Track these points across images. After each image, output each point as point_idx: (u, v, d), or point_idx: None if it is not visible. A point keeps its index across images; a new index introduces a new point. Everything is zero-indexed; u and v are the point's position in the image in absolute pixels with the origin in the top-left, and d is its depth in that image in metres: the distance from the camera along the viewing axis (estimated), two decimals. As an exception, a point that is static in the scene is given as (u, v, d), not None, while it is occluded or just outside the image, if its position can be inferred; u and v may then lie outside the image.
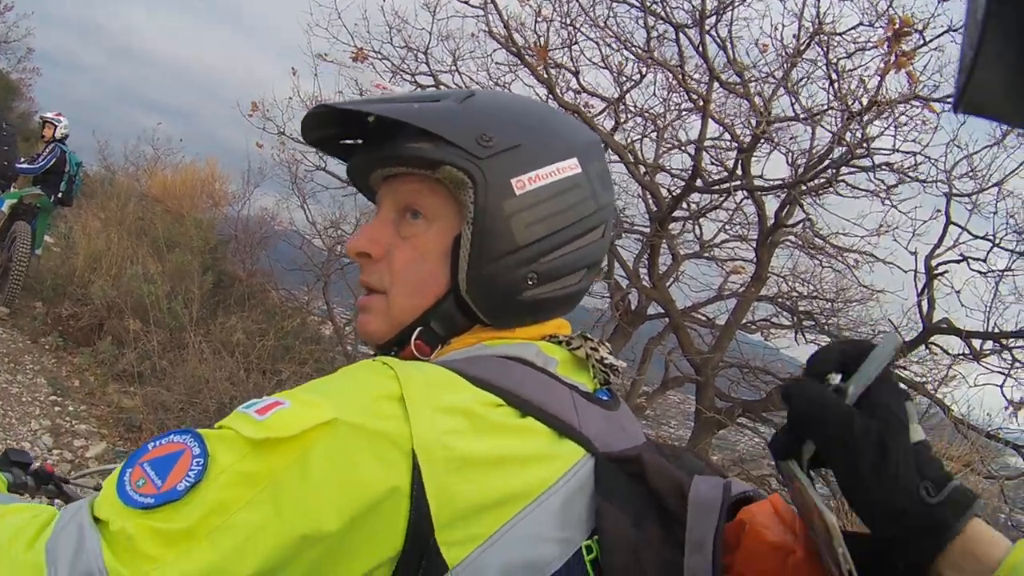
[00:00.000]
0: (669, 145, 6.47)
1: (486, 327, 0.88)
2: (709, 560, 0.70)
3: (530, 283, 0.85)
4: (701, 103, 5.83)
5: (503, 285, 0.85)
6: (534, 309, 0.88)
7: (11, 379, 6.41)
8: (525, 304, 0.87)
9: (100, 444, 5.64)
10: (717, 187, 6.08)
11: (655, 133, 6.58)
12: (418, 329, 0.88)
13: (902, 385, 0.69)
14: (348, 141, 0.98)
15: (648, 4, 5.88)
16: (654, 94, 6.59)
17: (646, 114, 6.57)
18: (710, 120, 6.07)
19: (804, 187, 5.94)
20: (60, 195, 8.15)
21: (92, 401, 6.46)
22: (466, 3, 6.11)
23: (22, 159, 7.91)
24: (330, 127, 0.95)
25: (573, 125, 0.95)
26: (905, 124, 5.71)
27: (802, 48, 5.87)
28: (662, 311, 6.51)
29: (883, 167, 5.86)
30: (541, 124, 0.89)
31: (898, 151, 5.75)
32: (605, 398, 0.89)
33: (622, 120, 6.54)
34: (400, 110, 0.85)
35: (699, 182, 5.99)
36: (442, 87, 6.45)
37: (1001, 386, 5.92)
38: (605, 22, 6.01)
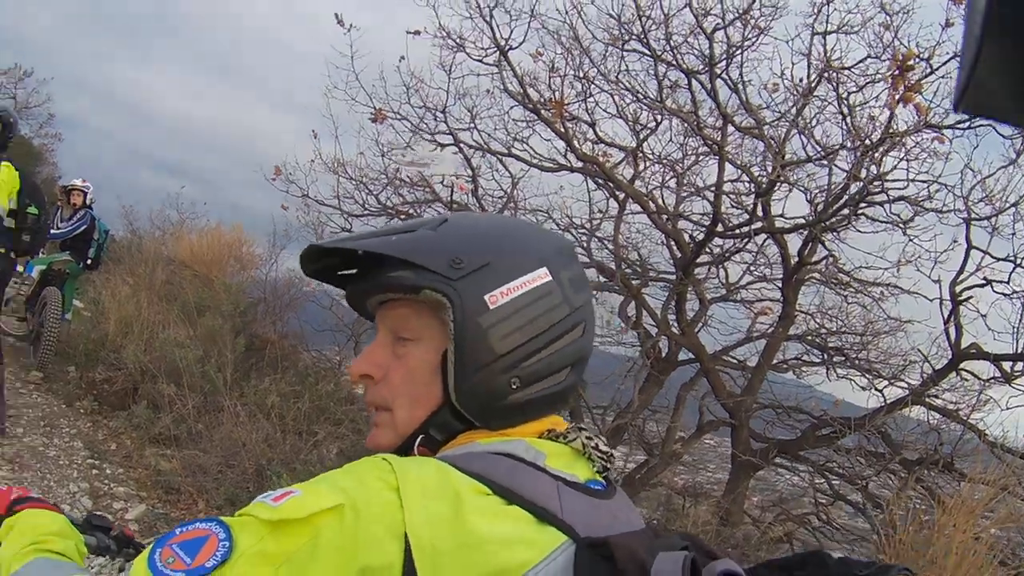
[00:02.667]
0: (689, 191, 6.52)
1: (480, 429, 0.96)
2: None
3: (514, 387, 0.94)
4: (716, 148, 5.89)
5: (489, 391, 0.94)
6: (524, 410, 0.96)
7: (48, 442, 6.48)
8: (513, 406, 0.95)
9: (140, 506, 5.66)
10: (738, 231, 6.11)
11: (674, 180, 6.65)
12: (420, 437, 0.97)
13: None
14: (344, 271, 1.08)
15: (659, 53, 5.98)
16: (671, 140, 6.68)
17: (664, 161, 6.64)
18: (727, 163, 6.14)
19: (824, 225, 5.96)
20: (89, 261, 8.31)
21: (129, 464, 6.49)
22: (480, 61, 6.23)
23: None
24: (326, 259, 1.06)
25: (542, 237, 1.04)
26: (917, 156, 5.77)
27: (813, 85, 5.96)
28: (692, 357, 6.52)
29: (899, 199, 5.88)
30: (509, 240, 0.98)
31: (913, 181, 5.80)
32: (598, 488, 0.95)
33: (640, 168, 6.60)
34: (380, 244, 0.96)
35: (720, 227, 6.02)
36: (462, 145, 6.56)
37: (1034, 406, 5.90)
38: (617, 76, 6.11)
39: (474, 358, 0.93)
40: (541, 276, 0.96)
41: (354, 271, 1.07)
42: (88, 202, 8.39)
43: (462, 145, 6.60)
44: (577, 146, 6.17)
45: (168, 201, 12.13)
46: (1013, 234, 5.90)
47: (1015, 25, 0.32)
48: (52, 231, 7.89)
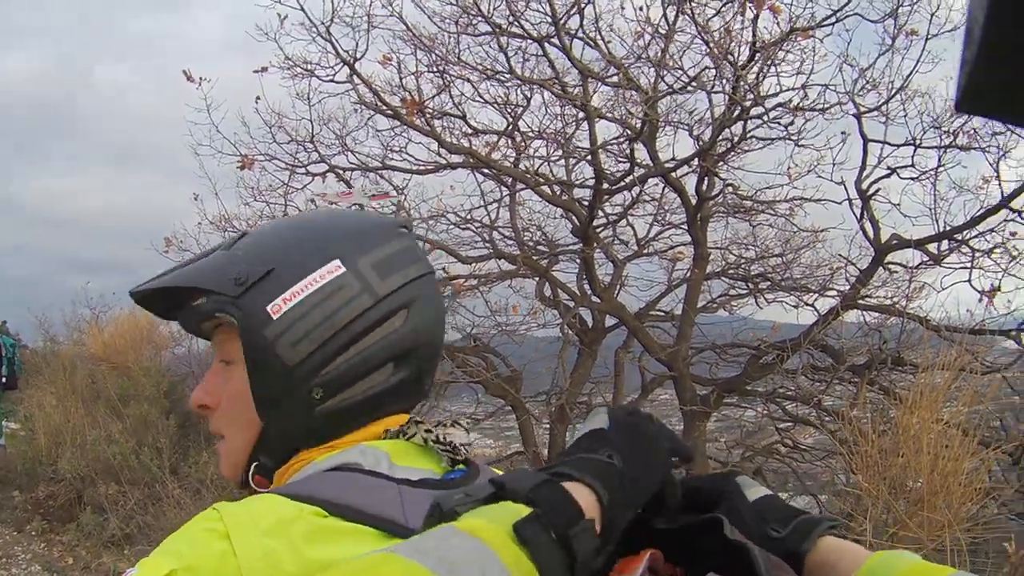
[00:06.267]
0: (573, 158, 6.41)
1: (306, 448, 0.90)
2: None
3: (318, 397, 0.86)
4: (582, 106, 5.80)
5: (292, 407, 0.87)
6: (342, 419, 0.89)
7: (6, 574, 6.35)
8: (327, 417, 0.88)
9: (106, 614, 5.57)
10: (622, 183, 6.01)
11: (559, 151, 6.55)
12: (253, 465, 0.92)
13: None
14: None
15: (504, 27, 5.86)
16: (546, 113, 6.57)
17: (544, 135, 6.53)
18: (603, 120, 6.04)
19: (712, 155, 5.89)
20: (4, 380, 8.11)
21: (89, 574, 6.37)
22: (332, 80, 6.07)
23: None
24: (159, 301, 0.98)
25: (341, 225, 0.94)
26: (789, 62, 5.72)
27: (672, 22, 5.87)
28: (618, 321, 6.42)
29: (777, 107, 5.82)
30: (299, 240, 0.91)
31: (791, 90, 5.74)
32: (457, 477, 0.89)
33: (524, 148, 6.48)
34: (170, 279, 0.91)
35: (605, 184, 5.91)
36: (337, 171, 6.39)
37: (969, 280, 5.90)
38: (459, 57, 5.98)
39: (266, 375, 0.86)
40: (331, 270, 0.87)
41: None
42: None
43: (338, 171, 6.43)
44: (447, 140, 6.02)
45: (77, 299, 11.78)
46: (905, 115, 5.89)
47: (1017, 25, 0.30)
48: None
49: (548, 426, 6.19)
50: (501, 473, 0.98)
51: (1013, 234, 5.81)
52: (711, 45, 5.72)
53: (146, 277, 0.95)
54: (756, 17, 5.56)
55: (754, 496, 0.84)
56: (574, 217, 6.33)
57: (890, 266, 6.38)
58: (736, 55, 5.67)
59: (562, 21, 5.69)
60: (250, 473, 0.92)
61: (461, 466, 0.91)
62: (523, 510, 0.60)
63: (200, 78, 6.14)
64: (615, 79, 5.97)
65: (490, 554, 0.56)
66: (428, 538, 0.58)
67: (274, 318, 0.85)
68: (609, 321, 6.54)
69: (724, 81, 5.78)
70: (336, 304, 0.86)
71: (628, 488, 0.69)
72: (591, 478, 0.66)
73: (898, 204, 6.16)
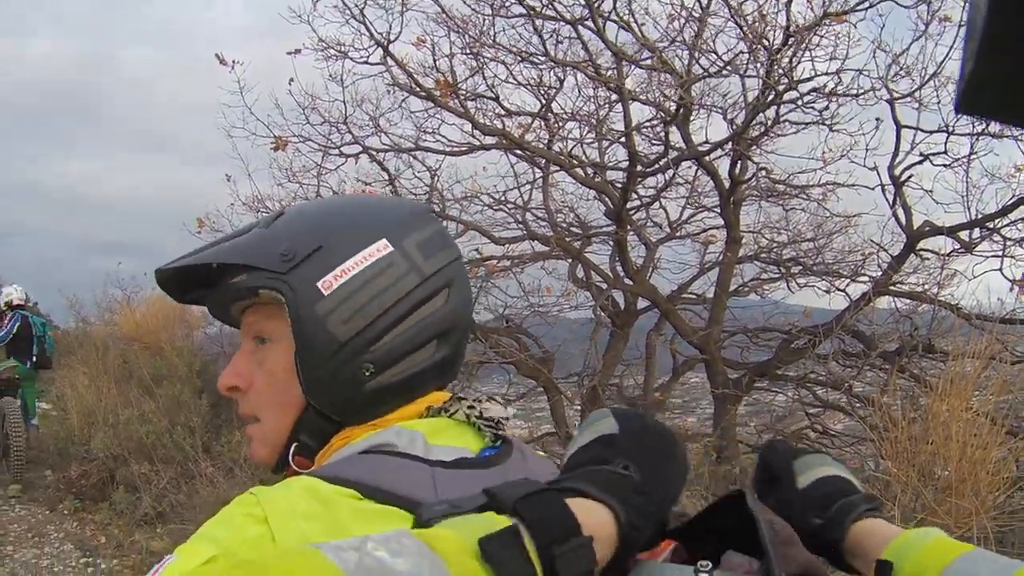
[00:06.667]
0: (607, 140, 6.40)
1: (353, 426, 0.90)
2: None
3: (368, 374, 0.87)
4: (616, 89, 5.79)
5: (342, 383, 0.87)
6: (389, 395, 0.90)
7: (40, 552, 6.40)
8: (375, 393, 0.89)
9: (140, 593, 5.62)
10: (657, 165, 6.00)
11: (592, 133, 6.54)
12: (293, 446, 0.92)
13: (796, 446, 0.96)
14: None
15: (539, 9, 5.85)
16: (579, 95, 6.56)
17: (577, 116, 6.53)
18: (636, 103, 6.03)
19: (746, 138, 5.86)
20: (35, 359, 8.18)
21: (122, 553, 6.40)
22: (366, 63, 6.08)
23: None
24: (185, 282, 0.99)
25: (382, 206, 0.97)
26: (823, 47, 5.70)
27: (705, 5, 5.86)
28: (650, 303, 6.41)
29: (812, 92, 5.80)
30: (342, 219, 0.92)
31: (825, 74, 5.72)
32: (489, 454, 0.89)
33: (557, 129, 6.48)
34: (211, 254, 0.91)
35: (639, 166, 5.90)
36: (370, 152, 6.41)
37: (1000, 269, 5.86)
38: (494, 39, 5.98)
39: (317, 351, 0.87)
40: (380, 248, 0.89)
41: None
42: (15, 303, 8.24)
43: (371, 152, 6.45)
44: (481, 121, 6.03)
45: (108, 280, 11.90)
46: (939, 102, 5.84)
47: (1018, 25, 0.30)
48: None
49: (579, 407, 6.20)
50: (538, 453, 0.99)
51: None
52: (745, 29, 5.72)
53: (170, 259, 0.94)
54: (789, 1, 5.55)
55: (805, 482, 0.89)
56: (607, 199, 6.32)
57: (922, 253, 6.33)
58: (771, 39, 5.67)
59: (596, 3, 5.69)
60: (291, 454, 0.92)
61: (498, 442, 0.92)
62: (505, 522, 0.57)
63: (233, 61, 6.18)
64: (649, 62, 5.96)
65: (435, 562, 0.53)
66: (372, 539, 0.56)
67: (325, 294, 0.86)
68: (641, 303, 6.54)
69: (758, 65, 5.77)
70: (386, 282, 0.88)
71: (648, 503, 0.66)
72: (606, 494, 0.63)
73: (930, 191, 6.14)
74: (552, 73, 6.41)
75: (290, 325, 0.87)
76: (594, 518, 0.60)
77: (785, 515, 0.81)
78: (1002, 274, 5.82)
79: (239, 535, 0.72)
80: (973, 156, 5.90)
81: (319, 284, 0.86)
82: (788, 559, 0.71)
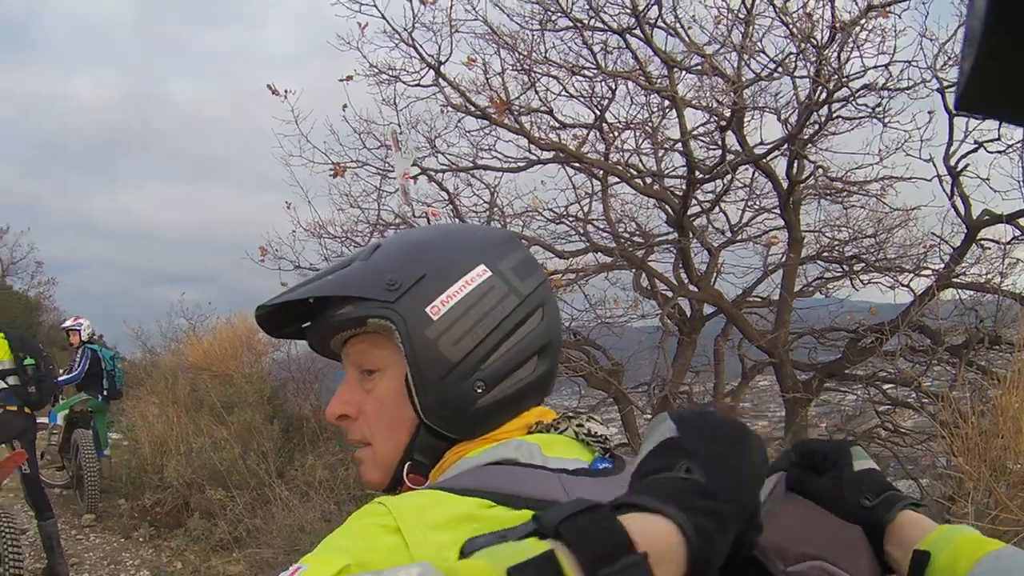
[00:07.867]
0: (665, 148, 6.40)
1: (465, 441, 0.95)
2: None
3: (479, 391, 0.93)
4: (669, 96, 5.79)
5: (456, 402, 0.93)
6: (499, 410, 0.95)
7: (116, 579, 6.45)
8: (486, 409, 0.94)
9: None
10: (715, 171, 5.98)
11: (647, 141, 6.54)
12: (407, 464, 0.97)
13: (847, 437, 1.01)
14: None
15: (586, 21, 5.88)
16: (632, 104, 6.57)
17: (632, 126, 6.53)
18: (690, 108, 6.03)
19: (800, 138, 5.83)
20: (106, 392, 8.37)
21: (199, 578, 6.51)
22: (419, 85, 6.15)
23: (60, 372, 8.15)
24: (283, 317, 1.05)
25: (473, 234, 1.05)
26: (869, 40, 5.65)
27: (750, 5, 5.84)
28: (716, 309, 6.39)
29: (863, 88, 5.75)
30: (439, 248, 0.98)
31: (873, 68, 5.67)
32: (603, 466, 0.93)
33: (612, 140, 6.49)
34: (316, 288, 0.97)
35: (697, 173, 5.90)
36: (429, 173, 6.47)
37: (1062, 253, 5.74)
38: (545, 55, 6.00)
39: (431, 372, 0.92)
40: (480, 273, 0.95)
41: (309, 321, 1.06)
42: (84, 338, 8.46)
43: (429, 173, 6.51)
44: (536, 137, 6.06)
45: (173, 311, 12.12)
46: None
47: (1016, 24, 0.31)
48: (59, 379, 7.97)
49: (650, 417, 6.18)
50: None
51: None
52: (792, 28, 5.69)
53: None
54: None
55: (859, 468, 0.95)
56: (667, 207, 6.31)
57: (983, 242, 6.23)
58: (820, 37, 5.63)
59: (642, 12, 5.70)
60: (404, 472, 0.97)
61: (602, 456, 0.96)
62: (545, 547, 0.54)
63: (285, 91, 6.27)
64: (699, 67, 5.95)
65: None
66: (383, 574, 0.55)
67: (434, 319, 0.92)
68: (707, 309, 6.53)
69: (808, 64, 5.74)
70: (490, 304, 0.94)
71: (718, 506, 0.59)
72: (664, 503, 0.58)
73: (987, 178, 6.01)
74: (604, 84, 6.44)
75: (400, 351, 0.93)
76: (651, 532, 0.55)
77: (833, 495, 0.93)
78: (1067, 260, 5.71)
79: (370, 544, 0.74)
80: (1027, 139, 5.80)
81: (427, 310, 0.92)
82: None
